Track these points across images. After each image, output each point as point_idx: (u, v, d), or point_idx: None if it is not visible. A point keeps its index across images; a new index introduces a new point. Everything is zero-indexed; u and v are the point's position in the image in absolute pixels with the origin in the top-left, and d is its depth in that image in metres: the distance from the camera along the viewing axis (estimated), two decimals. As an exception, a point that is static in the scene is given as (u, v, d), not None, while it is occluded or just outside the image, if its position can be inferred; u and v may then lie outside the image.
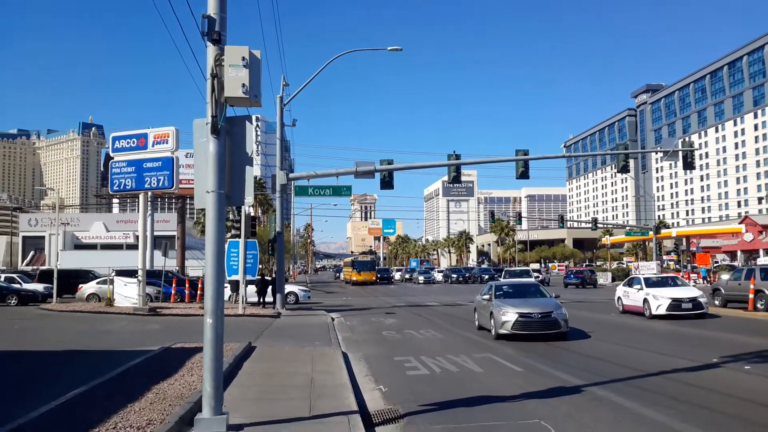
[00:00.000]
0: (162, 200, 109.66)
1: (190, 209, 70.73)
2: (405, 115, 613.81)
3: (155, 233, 52.90)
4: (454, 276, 74.24)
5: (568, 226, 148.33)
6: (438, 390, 10.22)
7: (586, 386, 10.28)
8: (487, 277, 71.55)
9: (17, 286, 34.18)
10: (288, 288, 32.08)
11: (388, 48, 29.44)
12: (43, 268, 31.12)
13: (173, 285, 32.01)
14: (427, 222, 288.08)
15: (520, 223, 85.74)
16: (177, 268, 48.79)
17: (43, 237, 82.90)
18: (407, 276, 73.36)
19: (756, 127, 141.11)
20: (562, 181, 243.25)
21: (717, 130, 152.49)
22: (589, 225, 71.90)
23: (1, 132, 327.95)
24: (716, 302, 26.56)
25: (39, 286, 34.73)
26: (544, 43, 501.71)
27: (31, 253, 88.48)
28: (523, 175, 28.37)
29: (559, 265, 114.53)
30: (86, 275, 36.10)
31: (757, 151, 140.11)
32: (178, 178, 25.26)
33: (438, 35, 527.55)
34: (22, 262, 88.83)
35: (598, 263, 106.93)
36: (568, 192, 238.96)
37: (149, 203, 27.85)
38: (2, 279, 36.08)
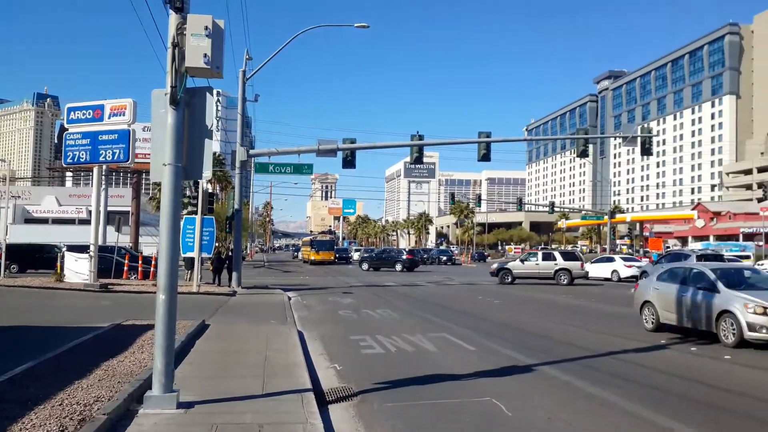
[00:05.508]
0: (117, 175, 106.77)
1: (145, 185, 69.27)
2: (369, 95, 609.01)
3: (109, 208, 51.73)
4: (411, 257, 74.56)
5: (526, 209, 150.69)
6: (392, 369, 10.28)
7: (536, 365, 10.52)
8: (445, 258, 71.55)
9: None
10: None
11: (355, 25, 28.88)
12: (9, 242, 30.45)
13: (126, 261, 31.31)
14: (388, 203, 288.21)
15: (479, 206, 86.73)
16: (131, 244, 47.85)
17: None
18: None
19: (713, 116, 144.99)
20: (523, 165, 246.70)
21: (675, 118, 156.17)
22: (547, 209, 72.98)
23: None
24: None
25: None
26: (508, 24, 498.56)
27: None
28: (485, 157, 28.21)
29: (515, 248, 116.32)
30: (51, 250, 34.91)
31: (712, 140, 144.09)
32: (134, 151, 24.50)
33: (407, 12, 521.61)
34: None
35: (553, 246, 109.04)
36: (527, 176, 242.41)
37: (103, 177, 27.07)
38: None
